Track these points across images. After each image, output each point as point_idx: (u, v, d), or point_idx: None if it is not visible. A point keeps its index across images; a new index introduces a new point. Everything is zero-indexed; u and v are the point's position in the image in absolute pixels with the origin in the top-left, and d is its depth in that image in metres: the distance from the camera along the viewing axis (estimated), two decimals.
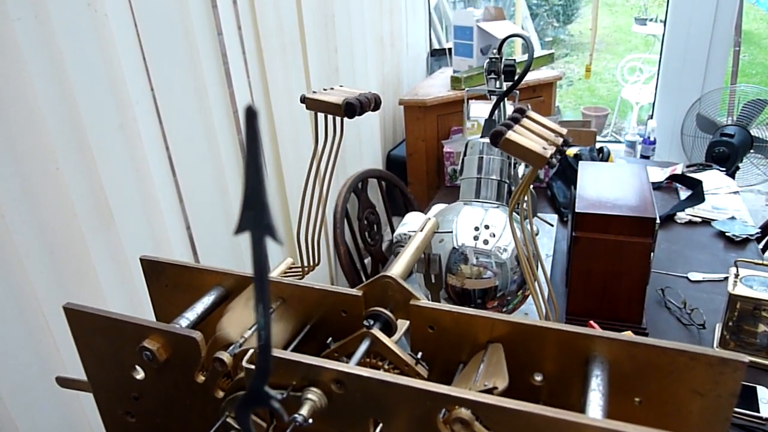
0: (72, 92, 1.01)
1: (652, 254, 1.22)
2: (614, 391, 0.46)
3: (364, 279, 2.06)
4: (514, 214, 0.80)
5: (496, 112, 1.10)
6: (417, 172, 2.49)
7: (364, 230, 2.12)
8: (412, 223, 1.57)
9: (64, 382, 0.63)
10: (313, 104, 0.91)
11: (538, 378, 0.51)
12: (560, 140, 0.68)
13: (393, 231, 2.20)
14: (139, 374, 0.56)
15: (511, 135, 0.66)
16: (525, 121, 0.70)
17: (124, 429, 0.58)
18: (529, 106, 0.81)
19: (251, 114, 0.19)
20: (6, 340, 0.96)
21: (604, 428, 0.35)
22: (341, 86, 0.97)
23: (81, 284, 1.07)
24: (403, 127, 2.55)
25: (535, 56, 1.03)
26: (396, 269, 0.61)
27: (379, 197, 2.25)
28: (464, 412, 0.40)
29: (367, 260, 2.16)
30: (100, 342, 0.55)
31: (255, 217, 0.20)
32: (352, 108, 0.86)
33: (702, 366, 0.44)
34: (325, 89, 0.94)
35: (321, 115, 0.93)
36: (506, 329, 0.51)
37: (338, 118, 0.91)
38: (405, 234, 1.52)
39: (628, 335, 0.48)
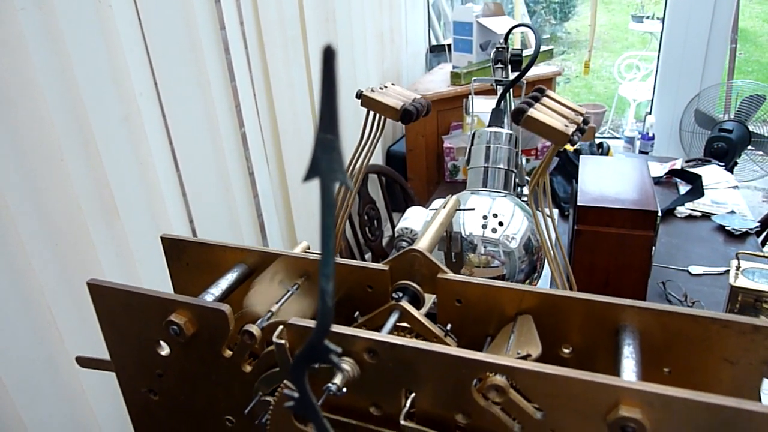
0: (76, 83, 1.01)
1: (653, 247, 1.23)
2: (643, 361, 0.46)
3: None
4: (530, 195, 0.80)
5: (503, 102, 1.10)
6: (417, 168, 2.50)
7: (364, 225, 2.12)
8: (413, 217, 1.56)
9: (84, 362, 0.63)
10: (369, 102, 0.92)
11: (567, 350, 0.51)
12: (580, 119, 0.69)
13: (393, 226, 2.20)
14: (164, 350, 0.56)
15: (533, 112, 0.67)
16: (545, 100, 0.70)
17: (146, 407, 0.58)
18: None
19: (329, 54, 0.19)
20: (11, 333, 0.96)
21: (641, 390, 0.35)
22: (393, 84, 0.98)
23: (85, 276, 1.06)
24: None
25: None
26: (422, 243, 0.60)
27: (379, 193, 2.26)
28: (499, 379, 0.40)
29: (368, 255, 2.16)
30: (124, 318, 0.55)
31: (327, 164, 0.20)
32: (410, 115, 0.88)
33: (734, 334, 0.45)
34: (381, 88, 0.95)
35: (371, 112, 0.94)
36: (535, 301, 0.51)
37: (383, 117, 0.93)
38: (407, 228, 1.52)
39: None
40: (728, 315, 0.43)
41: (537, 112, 0.67)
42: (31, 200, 0.96)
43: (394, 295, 0.58)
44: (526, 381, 0.40)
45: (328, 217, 0.20)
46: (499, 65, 1.17)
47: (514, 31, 1.25)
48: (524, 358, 0.46)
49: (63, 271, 1.03)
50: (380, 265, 0.58)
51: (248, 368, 0.52)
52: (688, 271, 1.47)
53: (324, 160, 0.20)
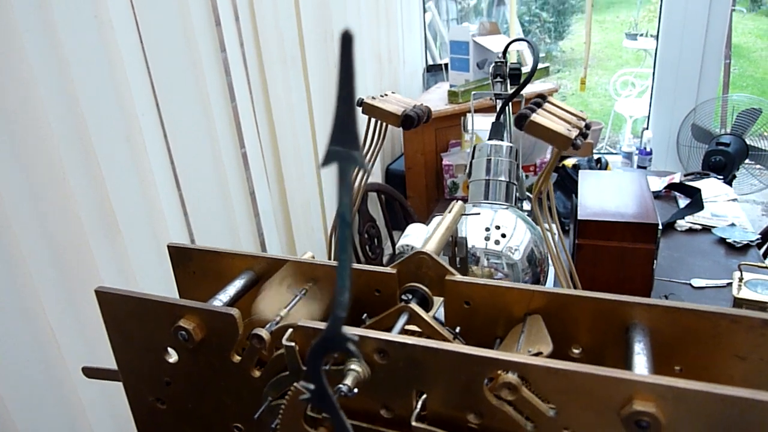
0: (78, 103, 1.02)
1: (655, 261, 1.23)
2: (654, 359, 0.46)
3: None
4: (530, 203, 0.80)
5: (502, 115, 1.11)
6: (416, 186, 2.50)
7: (364, 244, 2.12)
8: (414, 234, 1.56)
9: (90, 372, 0.62)
10: (370, 110, 0.93)
11: (577, 351, 0.51)
12: (582, 123, 0.69)
13: (393, 244, 2.20)
14: (172, 357, 0.56)
15: (535, 117, 0.68)
16: (547, 106, 0.71)
17: (153, 416, 0.57)
18: None
19: (347, 39, 0.19)
20: (11, 347, 0.95)
21: (654, 383, 0.35)
22: (393, 93, 1.00)
23: (87, 293, 1.06)
24: (401, 141, 2.56)
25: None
26: (430, 246, 0.60)
27: (379, 211, 2.26)
28: (511, 377, 0.39)
29: None
30: (132, 325, 0.55)
31: (343, 149, 0.20)
32: (411, 120, 0.89)
33: (743, 329, 0.44)
34: (382, 96, 0.97)
35: (373, 120, 0.95)
36: (544, 301, 0.51)
37: (384, 125, 0.94)
38: (408, 246, 1.52)
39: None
40: (737, 310, 0.43)
41: (540, 117, 0.68)
42: (34, 217, 0.97)
43: (403, 297, 0.58)
44: (539, 378, 0.39)
45: (345, 228, 0.20)
46: (498, 79, 1.18)
47: (510, 48, 1.26)
48: (536, 355, 0.45)
49: (64, 287, 1.03)
50: (388, 269, 0.57)
51: (257, 373, 0.52)
52: (690, 284, 1.46)
53: (340, 155, 0.20)
